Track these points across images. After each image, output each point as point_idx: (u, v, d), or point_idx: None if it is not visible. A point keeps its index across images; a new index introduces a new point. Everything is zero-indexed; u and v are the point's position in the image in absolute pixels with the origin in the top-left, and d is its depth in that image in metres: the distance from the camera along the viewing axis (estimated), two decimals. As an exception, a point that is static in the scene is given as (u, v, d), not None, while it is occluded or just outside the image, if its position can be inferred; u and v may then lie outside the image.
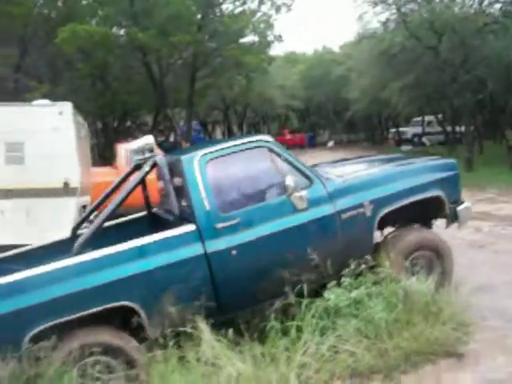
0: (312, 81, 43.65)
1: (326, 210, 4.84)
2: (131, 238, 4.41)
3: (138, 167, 5.46)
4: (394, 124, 38.94)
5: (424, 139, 31.26)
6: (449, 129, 30.45)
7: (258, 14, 22.53)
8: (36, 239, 8.32)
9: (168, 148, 18.48)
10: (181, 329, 4.07)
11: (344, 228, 4.87)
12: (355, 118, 36.85)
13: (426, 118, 33.86)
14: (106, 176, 12.27)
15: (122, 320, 4.24)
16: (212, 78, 24.75)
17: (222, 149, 4.83)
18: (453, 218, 5.51)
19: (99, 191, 10.63)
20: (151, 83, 21.37)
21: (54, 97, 12.48)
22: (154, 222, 5.75)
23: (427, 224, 5.71)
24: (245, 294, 4.53)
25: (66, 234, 5.71)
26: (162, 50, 19.73)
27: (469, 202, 5.73)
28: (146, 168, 4.98)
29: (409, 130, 34.51)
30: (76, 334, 4.02)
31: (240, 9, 21.68)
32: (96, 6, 18.58)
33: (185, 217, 4.69)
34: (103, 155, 22.30)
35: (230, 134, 41.34)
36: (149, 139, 5.30)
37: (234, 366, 3.67)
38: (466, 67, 22.55)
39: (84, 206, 9.85)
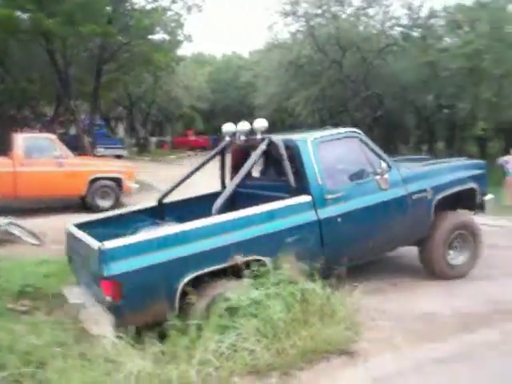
0: (219, 84, 43.88)
1: (402, 191, 6.01)
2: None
3: (224, 148, 6.64)
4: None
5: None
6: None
7: (170, 13, 22.30)
8: None
9: (68, 141, 17.91)
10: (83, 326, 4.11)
11: (413, 207, 6.07)
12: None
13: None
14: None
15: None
16: (119, 73, 24.17)
17: (326, 135, 5.89)
18: (481, 206, 7.00)
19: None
20: (54, 72, 20.47)
21: None
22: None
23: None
24: (343, 254, 5.44)
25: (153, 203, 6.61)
26: (69, 39, 18.99)
27: (491, 195, 7.16)
28: (263, 146, 5.65)
29: (310, 140, 35.46)
30: (216, 284, 4.68)
31: (152, 5, 21.35)
32: (-1, -14, 17.50)
33: (286, 190, 5.50)
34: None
35: (132, 132, 40.47)
36: (263, 122, 5.99)
37: (134, 363, 3.66)
38: (366, 84, 23.70)
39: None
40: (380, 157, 5.96)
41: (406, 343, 4.51)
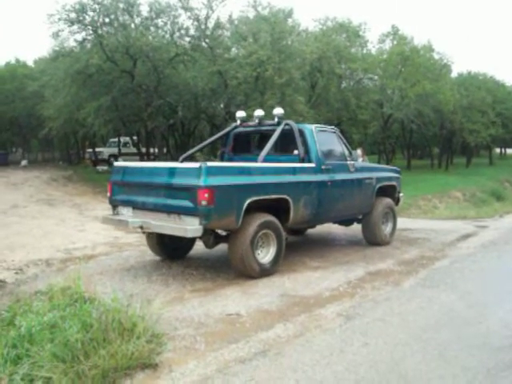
0: (4, 95, 40.36)
1: (360, 175, 8.88)
2: None
3: (236, 127, 9.01)
4: (91, 144, 38.51)
5: (120, 160, 31.72)
6: (144, 150, 31.59)
7: None
8: None
9: None
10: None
11: (366, 187, 9.01)
12: (51, 136, 35.15)
13: (122, 139, 34.45)
14: None
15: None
16: None
17: (321, 127, 8.55)
18: (398, 200, 10.16)
19: None
20: None
21: None
22: None
23: None
24: (328, 209, 8.13)
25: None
26: None
27: (402, 193, 10.47)
28: (282, 126, 8.08)
29: (105, 151, 34.59)
30: (259, 215, 6.89)
31: None
32: None
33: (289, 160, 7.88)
34: None
35: None
36: (280, 110, 8.34)
37: None
38: (158, 93, 23.77)
39: None
40: (349, 150, 8.73)
41: (209, 347, 4.54)
